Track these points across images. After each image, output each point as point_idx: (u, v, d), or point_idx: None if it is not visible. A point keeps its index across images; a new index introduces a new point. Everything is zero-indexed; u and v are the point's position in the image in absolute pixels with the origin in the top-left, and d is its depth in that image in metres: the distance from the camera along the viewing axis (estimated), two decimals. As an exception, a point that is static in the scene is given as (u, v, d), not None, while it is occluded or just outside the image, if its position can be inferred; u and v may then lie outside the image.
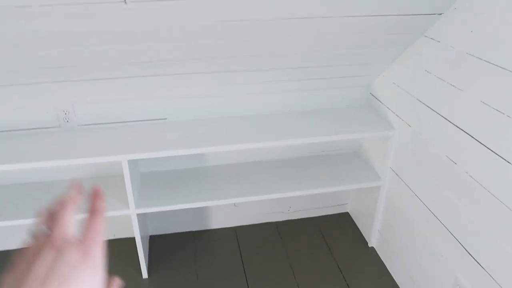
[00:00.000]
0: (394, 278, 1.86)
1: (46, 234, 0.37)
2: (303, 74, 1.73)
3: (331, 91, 1.91)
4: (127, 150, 1.56)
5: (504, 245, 1.17)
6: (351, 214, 2.29)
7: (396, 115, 1.71)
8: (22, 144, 1.63)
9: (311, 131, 1.71)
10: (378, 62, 1.70)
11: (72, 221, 0.39)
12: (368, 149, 1.98)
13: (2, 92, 1.55)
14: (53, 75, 1.47)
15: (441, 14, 1.35)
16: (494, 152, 1.18)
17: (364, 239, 2.11)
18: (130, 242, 2.03)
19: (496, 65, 1.15)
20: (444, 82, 1.38)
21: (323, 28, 1.36)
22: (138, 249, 1.78)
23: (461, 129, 1.31)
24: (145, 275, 1.87)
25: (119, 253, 2.00)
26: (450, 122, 1.36)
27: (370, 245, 2.06)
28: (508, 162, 1.13)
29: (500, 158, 1.16)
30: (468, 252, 1.33)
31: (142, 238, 1.78)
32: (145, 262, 1.85)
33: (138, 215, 1.70)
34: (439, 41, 1.40)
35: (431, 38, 1.44)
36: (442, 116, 1.40)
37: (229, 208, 2.14)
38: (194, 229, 2.17)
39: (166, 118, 1.82)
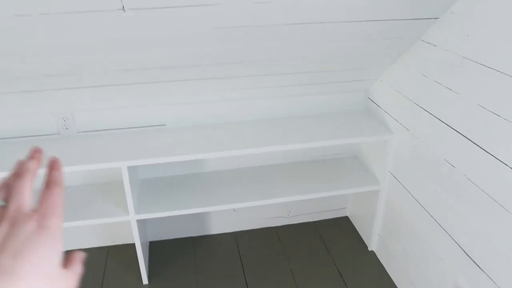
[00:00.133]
0: (394, 281, 1.86)
1: (1, 206, 0.36)
2: (302, 79, 1.74)
3: (329, 96, 1.92)
4: (127, 157, 1.56)
5: (504, 248, 1.18)
6: (350, 218, 2.29)
7: (395, 119, 1.72)
8: (21, 151, 1.62)
9: (310, 136, 1.72)
10: (376, 66, 1.71)
11: (29, 193, 0.37)
12: (367, 153, 1.98)
13: (1, 99, 1.56)
14: (52, 82, 1.47)
15: (437, 18, 1.37)
16: (492, 155, 1.19)
17: (364, 243, 2.11)
18: (130, 248, 2.03)
19: (492, 69, 1.16)
20: (441, 86, 1.39)
21: (320, 33, 1.37)
22: (138, 255, 1.78)
23: (459, 132, 1.32)
24: (145, 281, 1.86)
25: (119, 259, 2.00)
26: (448, 125, 1.37)
27: (370, 249, 2.06)
28: (506, 164, 1.14)
29: (498, 161, 1.16)
30: (468, 256, 1.33)
31: (142, 244, 1.78)
32: (145, 268, 1.85)
33: (138, 221, 1.70)
34: (435, 45, 1.41)
35: (428, 42, 1.45)
36: (440, 120, 1.41)
37: (229, 214, 2.14)
38: (194, 235, 2.17)
39: (165, 125, 1.83)
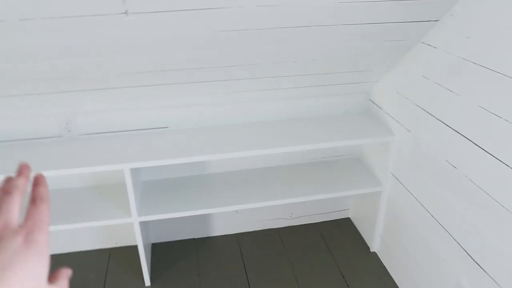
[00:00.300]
0: (396, 282, 1.87)
1: None
2: (303, 82, 1.75)
3: (331, 98, 1.93)
4: (129, 159, 1.57)
5: (506, 248, 1.18)
6: (352, 220, 2.29)
7: (396, 120, 1.73)
8: (23, 154, 1.64)
9: (312, 138, 1.72)
10: (377, 69, 1.72)
11: (17, 209, 0.38)
12: (369, 154, 1.99)
13: (3, 102, 1.57)
14: (54, 85, 1.48)
15: (437, 20, 1.37)
16: (493, 156, 1.19)
17: (366, 244, 2.11)
18: (132, 250, 2.04)
19: (492, 70, 1.16)
20: (442, 88, 1.40)
21: (321, 36, 1.38)
22: (140, 257, 1.79)
23: (460, 134, 1.32)
24: (147, 283, 1.87)
25: (122, 261, 2.00)
26: (449, 127, 1.38)
27: (372, 250, 2.06)
28: (507, 165, 1.14)
29: (499, 161, 1.17)
30: (470, 256, 1.34)
31: (144, 246, 1.79)
32: (148, 270, 1.86)
33: (140, 223, 1.71)
34: (436, 47, 1.41)
35: (428, 45, 1.45)
36: (441, 121, 1.42)
37: (231, 215, 2.14)
38: (196, 236, 2.17)
39: (167, 127, 1.84)
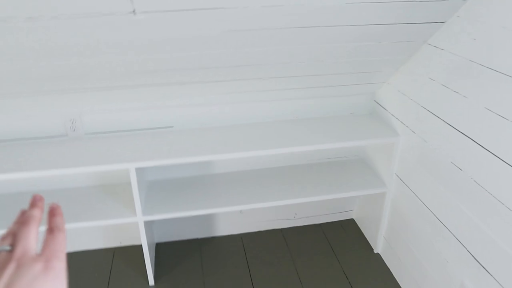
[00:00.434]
0: (400, 284, 1.86)
1: (9, 251, 0.38)
2: (308, 82, 1.75)
3: (336, 98, 1.93)
4: (135, 158, 1.58)
5: (510, 250, 1.18)
6: (356, 221, 2.29)
7: (401, 122, 1.73)
8: (29, 153, 1.65)
9: (317, 139, 1.72)
10: (382, 70, 1.71)
11: (34, 238, 0.40)
12: (373, 155, 1.99)
13: (9, 101, 1.57)
14: (60, 84, 1.49)
15: (443, 22, 1.37)
16: (499, 158, 1.19)
17: (370, 245, 2.11)
18: (136, 249, 2.04)
19: (499, 72, 1.16)
20: (448, 89, 1.39)
21: (327, 37, 1.38)
22: (144, 257, 1.80)
23: (466, 135, 1.32)
24: (151, 282, 1.87)
25: (126, 260, 2.01)
26: (455, 128, 1.37)
27: (375, 251, 2.06)
28: (513, 168, 1.14)
29: (505, 163, 1.17)
30: (474, 258, 1.34)
31: (148, 245, 1.79)
32: (152, 269, 1.86)
33: (145, 222, 1.71)
34: (442, 49, 1.41)
35: (435, 46, 1.45)
36: (447, 123, 1.41)
37: (235, 215, 2.15)
38: (200, 236, 2.18)
39: (172, 126, 1.84)
